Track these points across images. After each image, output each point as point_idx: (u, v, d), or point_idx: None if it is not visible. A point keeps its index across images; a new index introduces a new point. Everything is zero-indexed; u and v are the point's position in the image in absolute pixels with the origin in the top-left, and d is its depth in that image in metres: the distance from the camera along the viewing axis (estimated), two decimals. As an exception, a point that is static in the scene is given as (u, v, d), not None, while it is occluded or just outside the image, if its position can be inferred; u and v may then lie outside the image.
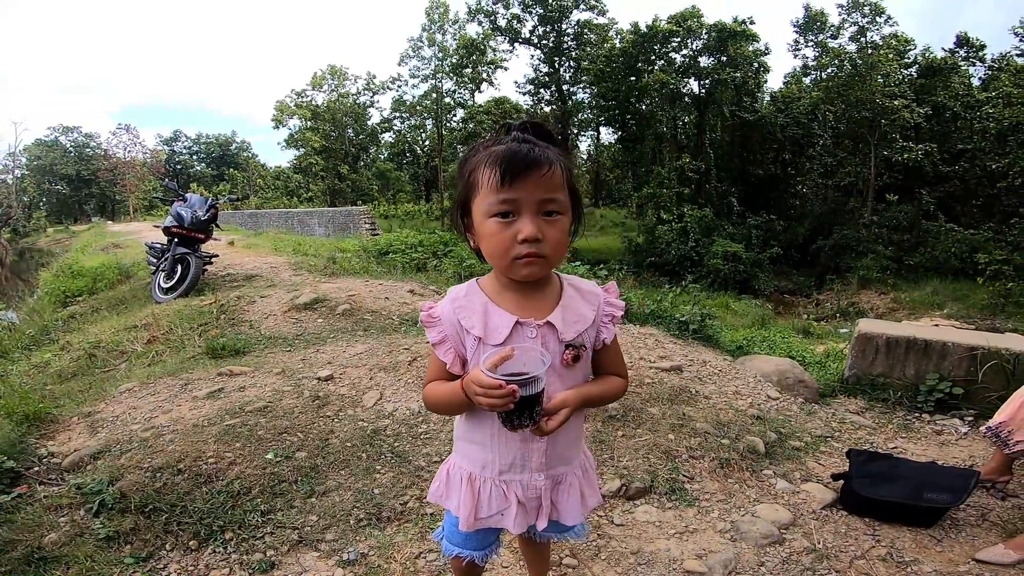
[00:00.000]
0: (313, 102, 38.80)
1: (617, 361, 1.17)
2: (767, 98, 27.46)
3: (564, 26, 33.20)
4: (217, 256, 6.80)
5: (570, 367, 1.06)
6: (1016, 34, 21.96)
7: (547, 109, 35.82)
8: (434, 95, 33.47)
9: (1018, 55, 21.52)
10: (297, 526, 1.95)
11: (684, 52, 26.96)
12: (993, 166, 17.85)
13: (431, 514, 2.02)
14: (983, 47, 24.92)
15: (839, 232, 20.39)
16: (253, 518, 1.96)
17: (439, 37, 32.65)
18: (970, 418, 2.98)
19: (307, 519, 1.99)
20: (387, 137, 43.07)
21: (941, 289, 15.44)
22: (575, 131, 37.49)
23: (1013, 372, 2.96)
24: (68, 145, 48.65)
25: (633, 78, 26.74)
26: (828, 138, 22.22)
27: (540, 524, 1.16)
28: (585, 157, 45.84)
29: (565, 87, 34.93)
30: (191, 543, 1.86)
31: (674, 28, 25.77)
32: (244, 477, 2.10)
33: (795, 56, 26.93)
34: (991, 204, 19.75)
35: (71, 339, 4.93)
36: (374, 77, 39.56)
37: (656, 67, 26.62)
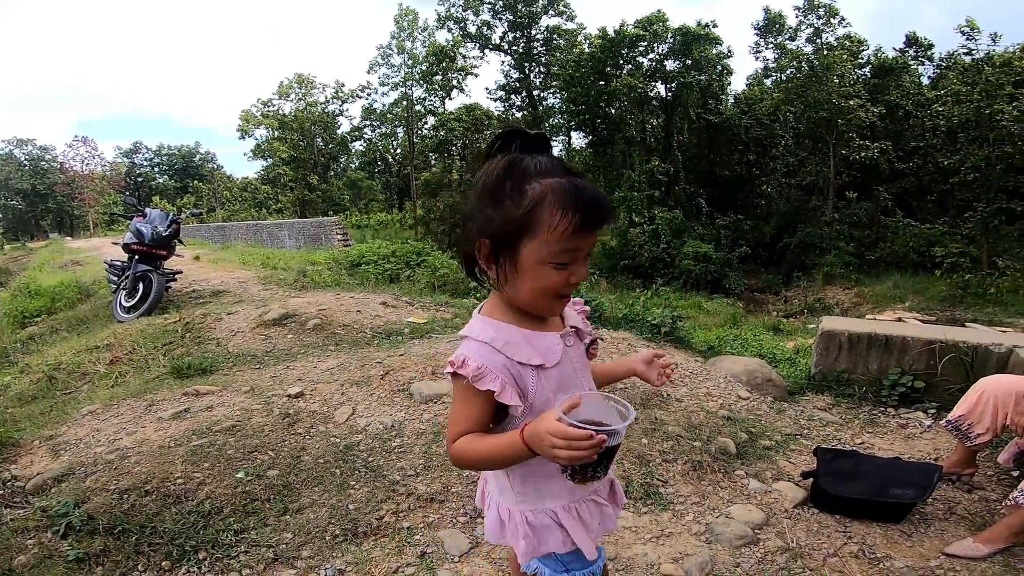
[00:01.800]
0: (280, 111, 38.28)
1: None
2: (731, 100, 28.17)
3: (534, 32, 33.47)
4: (181, 272, 6.62)
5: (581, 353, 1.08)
6: (962, 32, 23.02)
7: (519, 115, 36.02)
8: (404, 103, 33.37)
9: (964, 53, 22.56)
10: (272, 544, 1.92)
11: (651, 56, 27.49)
12: (945, 162, 18.63)
13: (407, 528, 2.01)
14: (931, 46, 26.04)
15: (803, 230, 20.99)
16: (226, 537, 1.93)
17: (408, 45, 32.65)
18: (933, 411, 3.07)
19: (282, 537, 1.96)
20: (358, 146, 42.69)
21: (902, 283, 16.00)
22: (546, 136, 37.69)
23: (972, 364, 3.04)
24: (23, 159, 46.89)
25: (602, 83, 27.14)
26: (789, 138, 22.90)
27: (620, 503, 1.16)
28: (557, 163, 46.19)
29: (536, 92, 35.19)
30: (163, 564, 1.83)
31: (641, 32, 26.26)
32: (215, 497, 2.06)
33: (756, 58, 27.69)
34: (945, 199, 20.60)
35: (30, 361, 4.78)
36: (343, 85, 39.32)
37: (624, 71, 27.08)
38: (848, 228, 20.16)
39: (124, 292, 5.77)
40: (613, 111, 28.07)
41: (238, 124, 37.44)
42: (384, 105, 36.17)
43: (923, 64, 26.06)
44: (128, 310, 5.62)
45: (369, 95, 37.23)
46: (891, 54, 24.97)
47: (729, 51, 26.86)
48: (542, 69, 34.39)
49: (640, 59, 27.50)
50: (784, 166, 23.87)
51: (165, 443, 2.38)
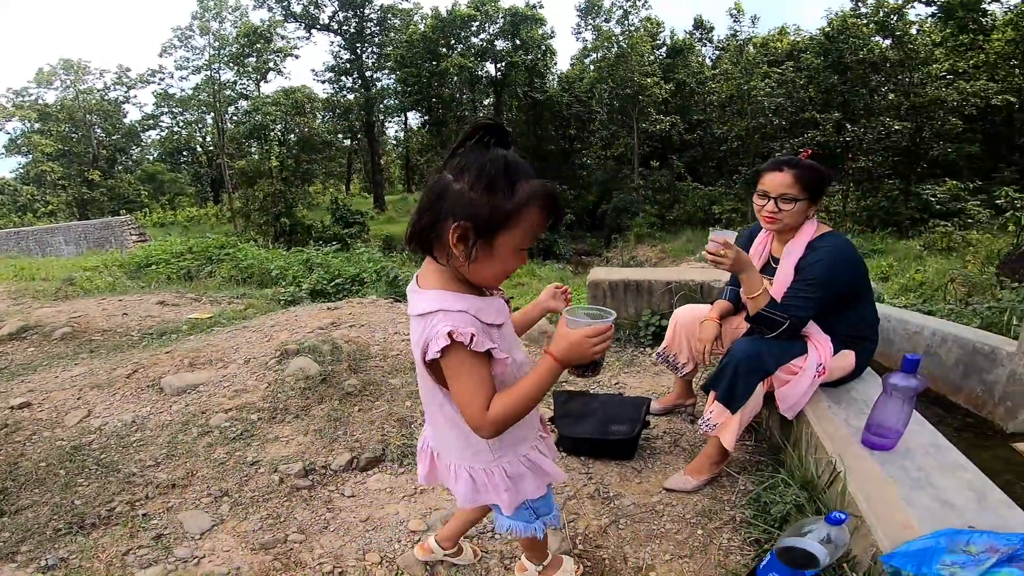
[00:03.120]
0: (40, 101, 31.84)
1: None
2: (555, 79, 29.81)
3: (367, 11, 31.88)
4: None
5: None
6: (731, 15, 26.94)
7: (350, 97, 34.29)
8: (212, 87, 29.74)
9: (731, 35, 26.47)
10: (-14, 545, 1.72)
11: (482, 36, 27.93)
12: (718, 133, 21.89)
13: (143, 515, 1.92)
14: (712, 29, 30.13)
15: (617, 196, 23.21)
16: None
17: (215, 25, 29.11)
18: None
19: (-1, 537, 1.78)
20: (154, 135, 37.26)
21: (693, 237, 18.59)
22: (381, 117, 36.55)
23: (701, 298, 3.39)
24: None
25: (435, 63, 26.91)
26: (604, 114, 24.85)
27: (549, 438, 1.37)
28: (395, 143, 44.97)
29: (368, 73, 33.70)
30: None
31: (473, 12, 26.51)
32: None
33: (577, 39, 29.48)
34: (721, 165, 24.26)
35: None
36: (128, 70, 33.95)
37: (456, 52, 27.13)
38: (652, 193, 22.79)
39: None
40: (446, 91, 28.06)
41: (-20, 118, 30.29)
42: (183, 90, 32.50)
43: (706, 45, 30.09)
44: None
45: (162, 80, 32.95)
46: (682, 36, 28.43)
47: (552, 32, 28.31)
48: (375, 50, 33.02)
49: (472, 39, 27.82)
50: (600, 140, 25.94)
51: None
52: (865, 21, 17.57)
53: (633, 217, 21.35)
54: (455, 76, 27.08)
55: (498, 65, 28.24)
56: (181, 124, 36.33)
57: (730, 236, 1.78)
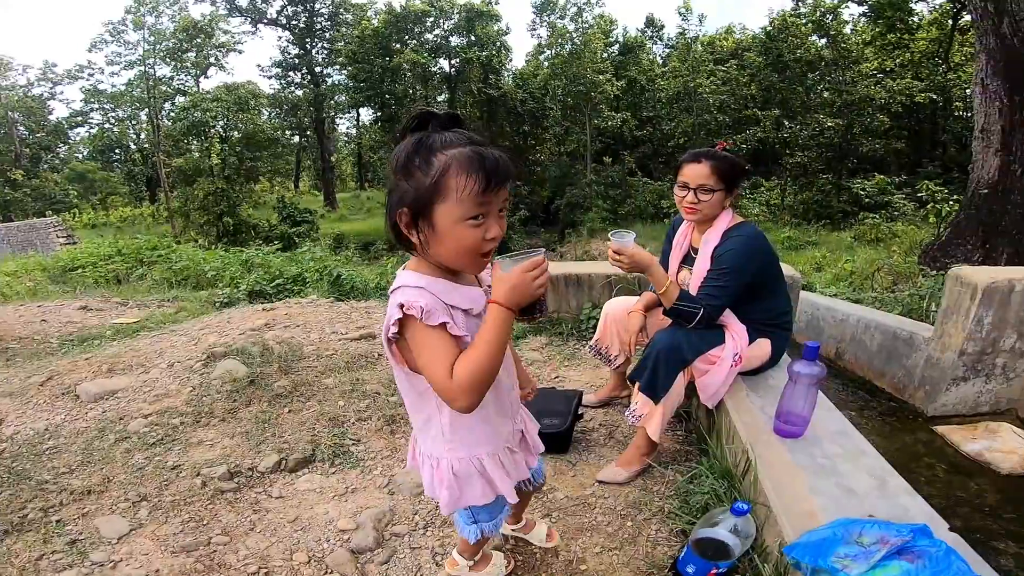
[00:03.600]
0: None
1: None
2: (509, 75, 29.76)
3: (318, 6, 30.92)
4: None
5: None
6: (679, 14, 27.59)
7: (298, 93, 33.27)
8: (148, 83, 28.26)
9: (680, 33, 27.13)
10: None
11: (436, 32, 27.56)
12: (667, 129, 22.42)
13: (57, 521, 1.83)
14: (663, 27, 30.78)
15: (570, 192, 23.44)
16: None
17: (150, 20, 27.64)
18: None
19: None
20: (83, 132, 35.18)
21: (644, 232, 18.97)
22: (332, 114, 35.63)
23: (640, 291, 3.61)
24: None
25: (387, 58, 26.40)
26: (558, 110, 25.01)
27: (532, 461, 1.31)
28: (346, 139, 43.89)
29: (318, 69, 32.75)
30: None
31: (427, 8, 26.10)
32: None
33: (532, 36, 29.50)
34: (670, 160, 24.86)
35: None
36: (54, 66, 32.01)
37: (409, 47, 26.70)
38: (604, 188, 23.12)
39: None
40: (399, 87, 27.60)
41: None
42: (115, 86, 30.97)
43: (657, 43, 30.73)
44: None
45: (91, 75, 31.22)
46: (634, 34, 28.92)
47: (508, 28, 28.25)
48: (326, 45, 32.16)
49: (427, 35, 27.42)
50: (554, 136, 26.07)
51: None
52: (804, 21, 18.35)
53: (586, 212, 21.62)
54: (408, 72, 26.69)
55: (452, 61, 27.99)
56: (113, 121, 34.54)
57: (628, 238, 1.82)
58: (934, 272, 5.13)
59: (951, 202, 8.90)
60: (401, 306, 0.98)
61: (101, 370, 2.79)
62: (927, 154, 20.18)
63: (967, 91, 18.53)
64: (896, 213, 14.33)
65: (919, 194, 12.46)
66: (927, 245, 6.15)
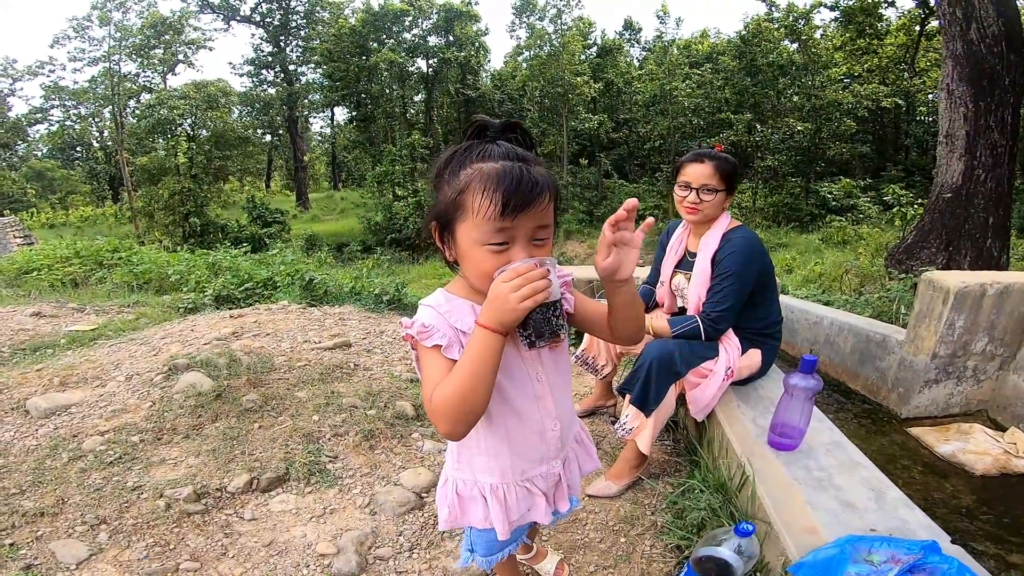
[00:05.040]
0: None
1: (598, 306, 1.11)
2: (487, 76, 29.68)
3: (293, 3, 30.34)
4: None
5: (555, 350, 1.06)
6: (657, 17, 27.90)
7: (271, 91, 32.60)
8: (112, 80, 27.35)
9: (657, 36, 27.43)
10: None
11: (414, 32, 27.31)
12: (643, 131, 22.64)
13: (10, 544, 1.70)
14: (640, 30, 31.08)
15: (548, 193, 23.46)
16: None
17: (117, 16, 26.74)
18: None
19: None
20: (43, 129, 33.91)
21: (620, 234, 19.10)
22: (306, 113, 34.99)
23: None
24: None
25: (364, 57, 26.05)
26: (535, 111, 25.06)
27: (563, 507, 1.18)
28: (320, 138, 43.17)
29: (292, 67, 32.14)
30: None
31: (406, 7, 25.83)
32: None
33: (511, 37, 29.42)
34: (645, 163, 25.14)
35: None
36: (14, 61, 30.95)
37: (386, 46, 26.39)
38: (580, 190, 23.22)
39: None
40: (375, 86, 27.26)
41: None
42: (77, 83, 30.09)
43: (634, 46, 31.01)
44: None
45: (52, 71, 30.24)
46: (612, 36, 29.13)
47: (486, 29, 28.13)
48: (300, 43, 31.64)
49: (405, 34, 27.15)
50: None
51: None
52: (777, 26, 18.73)
53: (563, 214, 21.64)
54: (385, 71, 26.39)
55: (430, 61, 27.77)
56: (74, 118, 33.35)
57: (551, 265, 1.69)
58: (900, 275, 5.23)
59: (916, 206, 9.16)
60: (402, 323, 0.96)
61: (53, 383, 2.60)
62: (891, 158, 20.83)
63: (931, 96, 19.22)
64: (861, 216, 14.73)
65: (884, 198, 12.82)
66: (893, 248, 6.27)
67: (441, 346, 0.92)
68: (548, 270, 0.87)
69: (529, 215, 0.87)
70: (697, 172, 1.89)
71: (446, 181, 0.91)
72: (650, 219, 0.90)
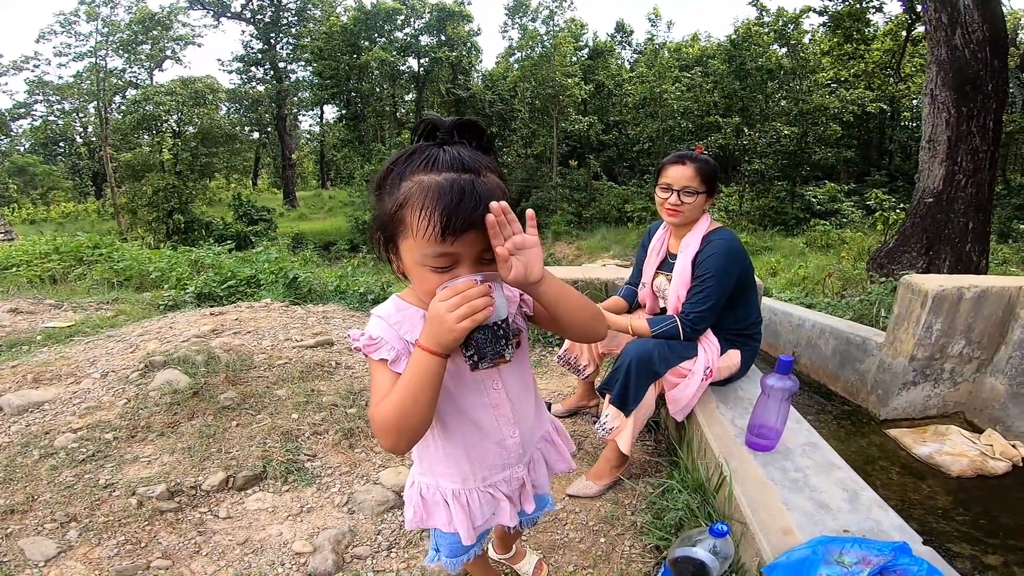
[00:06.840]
0: None
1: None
2: (478, 77, 29.66)
3: (285, 1, 30.09)
4: None
5: (516, 354, 0.97)
6: (649, 20, 28.04)
7: (260, 88, 32.32)
8: (98, 75, 26.99)
9: (648, 39, 27.57)
10: None
11: (406, 31, 27.22)
12: (632, 134, 22.74)
13: None
14: (632, 32, 31.22)
15: (536, 195, 23.50)
16: None
17: (105, 11, 26.41)
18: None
19: None
20: (25, 124, 33.37)
21: (608, 235, 19.20)
22: (295, 110, 34.73)
23: (606, 297, 3.64)
24: None
25: (355, 56, 25.92)
26: (525, 112, 25.05)
27: (528, 508, 1.16)
28: (309, 136, 42.84)
29: (282, 65, 31.90)
30: None
31: (398, 6, 25.72)
32: None
33: (504, 38, 29.44)
34: (634, 165, 25.26)
35: None
36: None
37: (378, 45, 26.29)
38: (569, 192, 23.26)
39: None
40: (365, 85, 27.12)
41: None
42: (62, 78, 29.54)
43: (625, 48, 31.14)
44: None
45: (37, 66, 29.90)
46: (604, 38, 29.20)
47: (478, 29, 28.16)
48: (291, 40, 31.40)
49: (396, 33, 27.06)
50: (521, 138, 26.08)
51: None
52: (767, 30, 18.89)
53: (551, 215, 21.69)
54: (376, 70, 26.32)
55: (421, 60, 27.72)
56: (58, 113, 32.82)
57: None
58: (881, 278, 5.29)
59: (898, 210, 9.28)
60: (350, 334, 0.94)
61: (27, 380, 2.55)
62: (875, 163, 21.11)
63: (915, 101, 19.49)
64: (845, 220, 14.91)
65: (867, 202, 12.97)
66: (874, 252, 6.35)
67: (386, 360, 0.89)
68: (490, 287, 0.80)
69: (471, 237, 0.79)
70: (678, 174, 1.89)
71: (387, 192, 0.83)
72: (530, 211, 0.83)
